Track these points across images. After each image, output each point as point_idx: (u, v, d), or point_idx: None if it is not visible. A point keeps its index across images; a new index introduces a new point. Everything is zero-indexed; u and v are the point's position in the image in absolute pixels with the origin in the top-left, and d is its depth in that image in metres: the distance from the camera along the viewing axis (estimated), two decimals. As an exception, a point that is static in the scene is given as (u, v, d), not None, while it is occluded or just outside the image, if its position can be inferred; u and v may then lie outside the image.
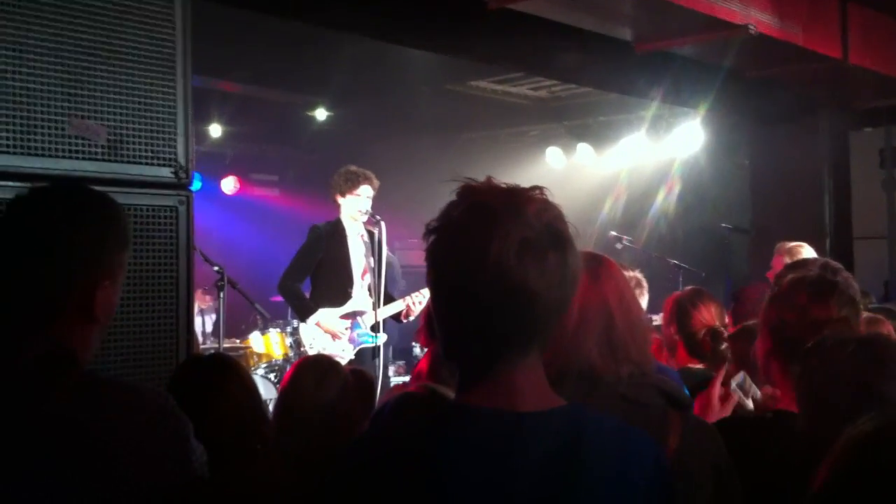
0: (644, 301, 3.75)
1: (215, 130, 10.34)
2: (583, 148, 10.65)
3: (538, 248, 1.46)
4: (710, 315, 3.74)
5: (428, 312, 4.28)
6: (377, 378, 6.32)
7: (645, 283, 3.87)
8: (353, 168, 6.52)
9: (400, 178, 10.63)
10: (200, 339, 8.65)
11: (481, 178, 1.55)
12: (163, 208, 3.00)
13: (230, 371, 2.65)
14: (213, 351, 7.75)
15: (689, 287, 4.39)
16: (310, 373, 3.20)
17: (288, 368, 8.06)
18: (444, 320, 1.56)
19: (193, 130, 3.14)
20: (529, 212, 1.49)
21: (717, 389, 2.87)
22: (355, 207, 6.42)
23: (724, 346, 3.59)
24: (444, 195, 1.65)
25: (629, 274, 3.64)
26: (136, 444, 1.68)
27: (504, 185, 1.59)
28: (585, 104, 10.13)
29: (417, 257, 11.29)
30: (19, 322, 1.77)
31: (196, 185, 3.13)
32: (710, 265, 9.60)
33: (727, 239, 9.59)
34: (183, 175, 3.05)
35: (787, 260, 5.73)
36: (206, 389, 2.54)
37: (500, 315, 1.48)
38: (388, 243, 6.61)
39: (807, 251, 5.81)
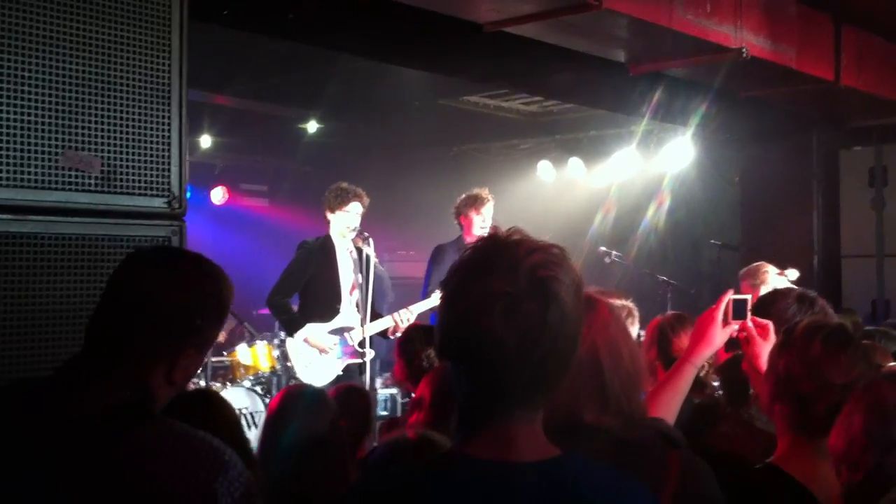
0: (635, 330, 3.73)
1: (205, 141, 10.31)
2: (574, 162, 10.65)
3: (513, 301, 1.45)
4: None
5: (400, 344, 4.27)
6: (365, 395, 6.31)
7: (636, 312, 3.86)
8: (344, 185, 6.53)
9: (391, 190, 10.63)
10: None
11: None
12: (156, 239, 2.97)
13: (213, 409, 2.63)
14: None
15: (671, 312, 4.38)
16: (297, 404, 3.16)
17: (274, 381, 8.14)
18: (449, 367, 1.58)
19: (188, 158, 3.12)
20: (513, 261, 1.48)
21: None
22: (344, 224, 6.43)
23: (703, 372, 3.55)
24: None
25: (620, 302, 3.61)
26: (200, 497, 1.69)
27: (503, 234, 1.59)
28: (576, 119, 10.14)
29: (407, 269, 11.32)
30: (107, 371, 1.81)
31: (187, 178, 3.11)
32: (700, 281, 9.63)
33: (716, 255, 9.62)
34: (177, 205, 3.02)
35: (752, 282, 5.68)
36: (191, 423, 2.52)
37: (484, 369, 1.48)
38: (377, 255, 6.62)
39: (769, 270, 5.73)
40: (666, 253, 10.06)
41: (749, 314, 2.76)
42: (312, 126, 10.29)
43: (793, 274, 6.39)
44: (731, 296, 2.76)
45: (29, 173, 2.70)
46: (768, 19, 5.75)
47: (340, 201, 6.44)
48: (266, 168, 12.30)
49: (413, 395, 3.74)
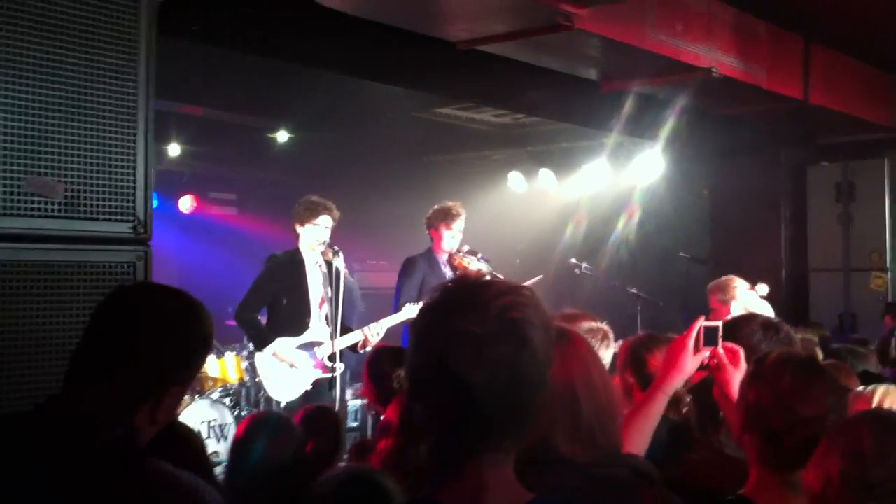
0: (610, 353, 3.71)
1: (174, 150, 10.19)
2: (544, 173, 10.67)
3: (483, 344, 1.44)
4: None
5: (368, 364, 4.24)
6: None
7: (611, 335, 3.84)
8: (314, 198, 6.46)
9: (362, 199, 10.59)
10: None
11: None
12: (120, 264, 2.92)
13: (178, 437, 2.58)
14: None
15: (642, 332, 4.40)
16: (261, 432, 3.12)
17: (243, 392, 8.07)
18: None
19: (153, 180, 3.08)
20: (483, 303, 1.47)
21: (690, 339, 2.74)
22: (314, 237, 6.36)
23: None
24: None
25: (595, 325, 3.60)
26: None
27: (473, 275, 1.59)
28: (548, 131, 10.16)
29: (377, 279, 11.26)
30: (92, 413, 1.79)
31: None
32: (669, 293, 9.66)
33: (685, 268, 9.67)
34: (142, 230, 2.97)
35: (722, 297, 5.71)
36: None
37: (453, 413, 1.47)
38: (347, 265, 6.57)
39: (739, 285, 5.74)
40: (636, 265, 10.10)
41: (720, 341, 2.78)
42: (282, 136, 10.22)
43: (763, 289, 6.43)
44: (702, 322, 2.78)
45: (-9, 200, 2.64)
46: (739, 39, 5.79)
47: (310, 214, 6.37)
48: (235, 176, 12.19)
49: (382, 417, 3.71)
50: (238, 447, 3.12)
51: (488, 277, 1.59)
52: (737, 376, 2.73)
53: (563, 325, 2.38)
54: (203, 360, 1.96)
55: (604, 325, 3.75)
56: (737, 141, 8.33)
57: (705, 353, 2.75)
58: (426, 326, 1.51)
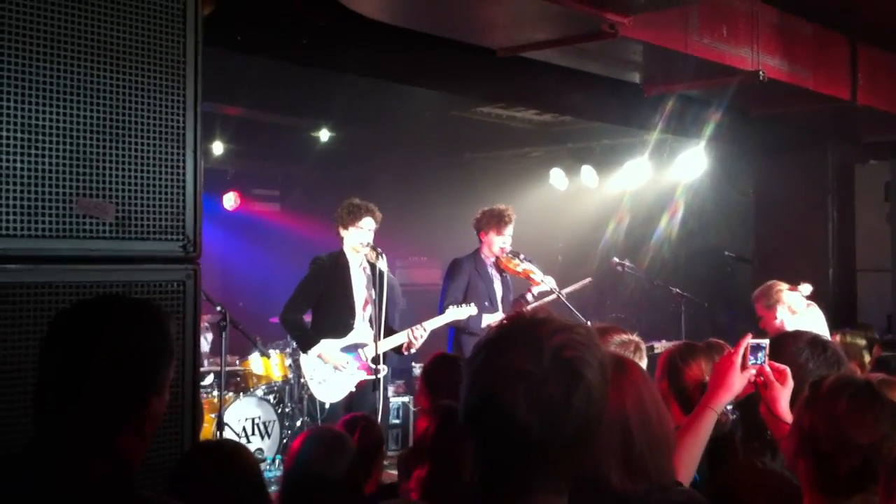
0: (643, 363, 3.69)
1: (217, 148, 10.30)
2: (586, 170, 10.60)
3: (537, 383, 1.44)
4: (701, 371, 3.70)
5: (426, 373, 4.27)
6: (378, 412, 6.31)
7: (643, 347, 3.82)
8: (356, 201, 6.50)
9: (403, 196, 10.61)
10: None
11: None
12: (170, 283, 2.97)
13: (232, 463, 2.62)
14: (212, 379, 7.73)
15: (681, 342, 4.37)
16: (317, 448, 3.16)
17: (287, 390, 8.15)
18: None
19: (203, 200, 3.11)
20: (537, 342, 1.47)
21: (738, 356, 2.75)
22: (357, 239, 6.41)
23: None
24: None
25: (626, 337, 3.58)
26: None
27: (528, 313, 1.58)
28: (589, 128, 10.09)
29: (419, 275, 11.30)
30: (80, 443, 1.75)
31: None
32: (712, 292, 9.58)
33: (729, 266, 9.57)
34: (191, 248, 3.01)
35: (766, 303, 5.62)
36: (208, 483, 2.52)
37: (506, 451, 1.47)
38: (389, 262, 6.60)
39: (782, 289, 5.65)
40: (678, 264, 10.02)
41: (766, 358, 2.77)
42: (324, 135, 10.28)
43: (806, 289, 6.34)
44: (749, 340, 2.77)
45: (43, 222, 2.69)
46: (784, 41, 5.71)
47: (353, 217, 6.42)
48: (278, 173, 12.28)
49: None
50: (294, 463, 3.16)
51: (544, 315, 1.58)
52: (784, 394, 2.73)
53: (618, 353, 2.37)
54: (172, 359, 1.88)
55: (635, 337, 3.74)
56: (781, 139, 8.21)
57: (752, 370, 2.76)
58: (481, 364, 1.51)
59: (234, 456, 2.65)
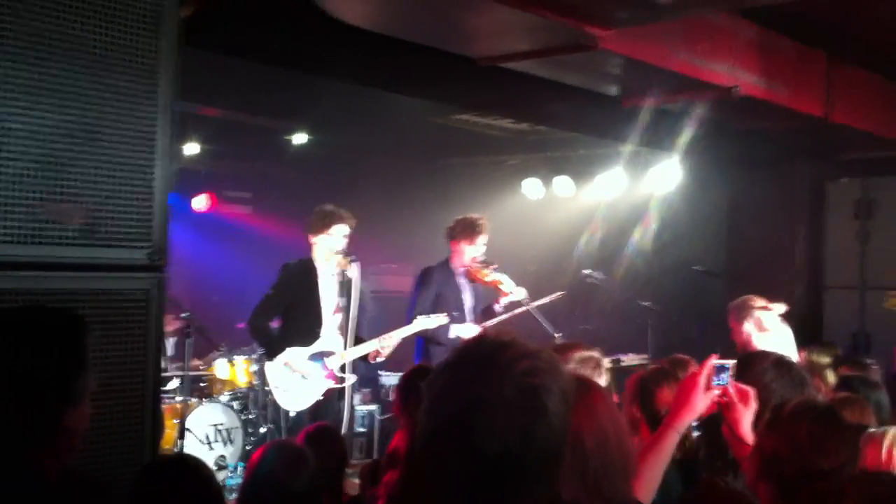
0: (603, 379, 3.67)
1: (191, 148, 10.19)
2: (561, 180, 10.60)
3: (498, 413, 1.41)
4: (673, 395, 3.70)
5: (403, 385, 4.22)
6: (342, 421, 6.25)
7: (603, 363, 3.81)
8: (328, 207, 6.43)
9: (376, 202, 10.56)
10: (163, 363, 8.50)
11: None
12: (135, 291, 2.91)
13: (191, 478, 2.57)
14: (177, 384, 7.63)
15: (653, 366, 4.38)
16: (277, 461, 3.12)
17: (251, 396, 8.06)
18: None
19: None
20: (500, 369, 1.44)
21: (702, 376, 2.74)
22: (328, 247, 6.33)
23: None
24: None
25: (588, 354, 3.58)
26: None
27: (493, 336, 1.54)
28: (565, 138, 10.08)
29: (392, 282, 11.23)
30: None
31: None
32: (684, 304, 9.59)
33: (700, 280, 9.59)
34: (157, 257, 2.95)
35: (738, 315, 5.62)
36: (167, 499, 2.48)
37: (464, 478, 1.44)
38: (362, 267, 6.51)
39: (755, 304, 5.65)
40: (652, 276, 10.03)
41: (731, 379, 2.77)
42: (300, 137, 10.20)
43: (779, 308, 6.35)
44: (713, 361, 2.78)
45: (7, 227, 2.62)
46: (762, 57, 5.72)
47: (323, 224, 6.34)
48: (251, 174, 12.18)
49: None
50: (253, 475, 3.12)
51: (508, 338, 1.55)
52: (747, 415, 2.74)
53: (581, 375, 2.36)
54: (84, 367, 1.84)
55: (595, 353, 3.73)
56: (755, 153, 8.25)
57: (716, 390, 2.75)
58: (442, 389, 1.48)
59: (192, 471, 2.60)
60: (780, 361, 3.11)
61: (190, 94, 7.32)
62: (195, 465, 2.69)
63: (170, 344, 9.50)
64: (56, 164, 2.72)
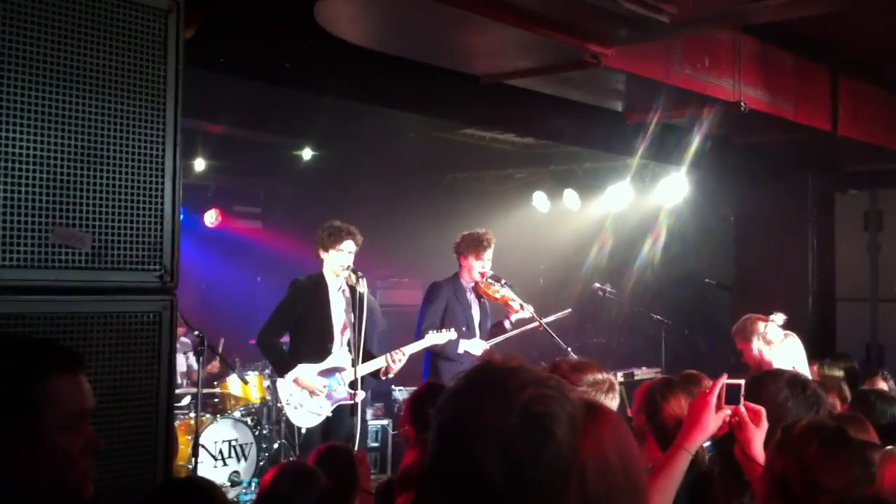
0: (615, 402, 3.68)
1: (199, 164, 10.25)
2: (568, 194, 10.62)
3: (505, 440, 1.42)
4: (681, 407, 3.68)
5: (413, 402, 4.23)
6: (355, 437, 6.26)
7: (617, 387, 3.80)
8: (337, 223, 6.46)
9: (384, 216, 10.60)
10: (178, 379, 8.55)
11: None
12: (146, 314, 2.93)
13: (202, 500, 2.58)
14: (189, 400, 7.67)
15: (660, 377, 4.37)
16: (288, 481, 3.14)
17: (264, 412, 8.08)
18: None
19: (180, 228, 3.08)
20: (506, 396, 1.45)
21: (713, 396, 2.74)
22: (337, 262, 6.36)
23: None
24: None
25: (601, 377, 3.55)
26: None
27: (499, 361, 1.55)
28: (571, 151, 10.10)
29: (400, 296, 11.25)
30: None
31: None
32: (694, 317, 9.59)
33: (710, 292, 9.59)
34: (168, 279, 2.98)
35: (741, 337, 5.61)
36: None
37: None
38: (370, 283, 6.55)
39: (756, 321, 5.64)
40: (661, 288, 10.02)
41: (742, 399, 2.77)
42: (307, 153, 10.25)
43: (779, 318, 6.35)
44: (724, 380, 2.77)
45: (18, 251, 2.65)
46: (766, 72, 5.74)
47: (333, 240, 6.37)
48: (259, 190, 12.24)
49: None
50: (264, 498, 3.13)
51: (515, 364, 1.56)
52: (759, 436, 2.72)
53: (591, 400, 2.36)
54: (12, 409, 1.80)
55: (609, 376, 3.71)
56: (762, 165, 8.24)
57: (727, 410, 2.75)
58: (448, 419, 1.48)
59: (203, 495, 2.61)
60: (794, 380, 3.09)
61: (196, 111, 7.41)
62: (206, 486, 2.70)
63: (183, 359, 9.57)
64: (65, 188, 2.75)
